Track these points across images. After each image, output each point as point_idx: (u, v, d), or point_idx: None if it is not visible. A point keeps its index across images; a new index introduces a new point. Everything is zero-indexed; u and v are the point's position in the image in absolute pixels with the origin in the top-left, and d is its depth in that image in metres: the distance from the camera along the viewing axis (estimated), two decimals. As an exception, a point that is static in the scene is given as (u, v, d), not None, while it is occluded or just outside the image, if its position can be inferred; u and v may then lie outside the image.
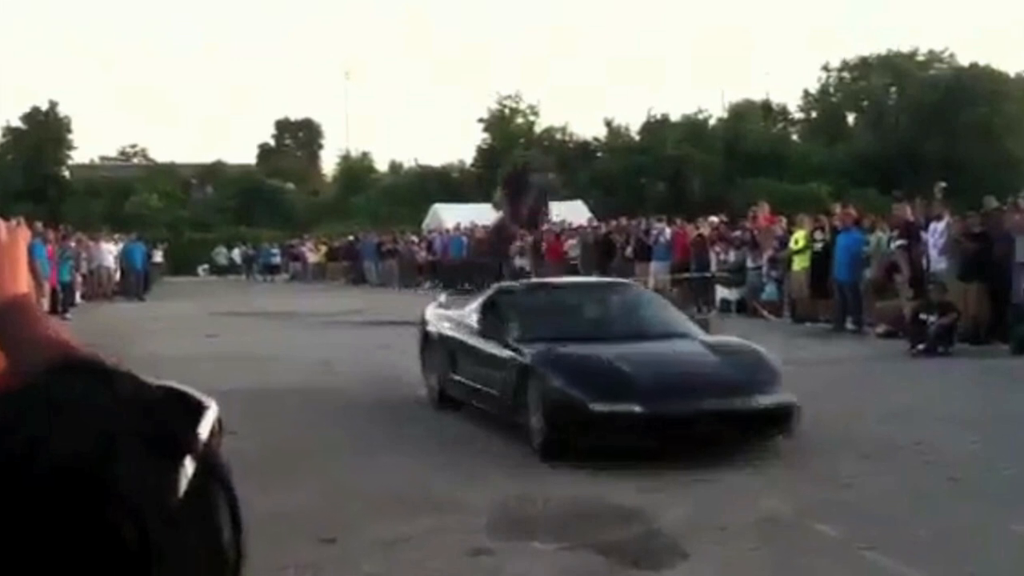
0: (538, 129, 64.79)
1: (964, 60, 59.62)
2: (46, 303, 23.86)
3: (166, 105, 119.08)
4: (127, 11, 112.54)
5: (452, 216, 43.56)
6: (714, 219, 26.31)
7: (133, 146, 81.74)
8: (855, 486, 8.06)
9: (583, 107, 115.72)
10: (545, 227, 34.83)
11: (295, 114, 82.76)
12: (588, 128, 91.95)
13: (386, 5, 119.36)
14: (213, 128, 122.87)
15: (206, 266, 56.24)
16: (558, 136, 64.67)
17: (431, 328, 12.40)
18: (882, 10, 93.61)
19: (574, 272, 27.32)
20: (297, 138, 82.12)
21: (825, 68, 65.21)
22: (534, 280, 19.08)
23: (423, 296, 23.67)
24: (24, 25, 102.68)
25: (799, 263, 20.88)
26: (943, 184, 19.29)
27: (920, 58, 61.87)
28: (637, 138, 61.44)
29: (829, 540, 6.77)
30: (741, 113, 62.10)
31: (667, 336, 10.38)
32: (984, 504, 7.56)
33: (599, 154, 61.98)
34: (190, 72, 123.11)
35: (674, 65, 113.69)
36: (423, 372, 12.36)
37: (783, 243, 22.01)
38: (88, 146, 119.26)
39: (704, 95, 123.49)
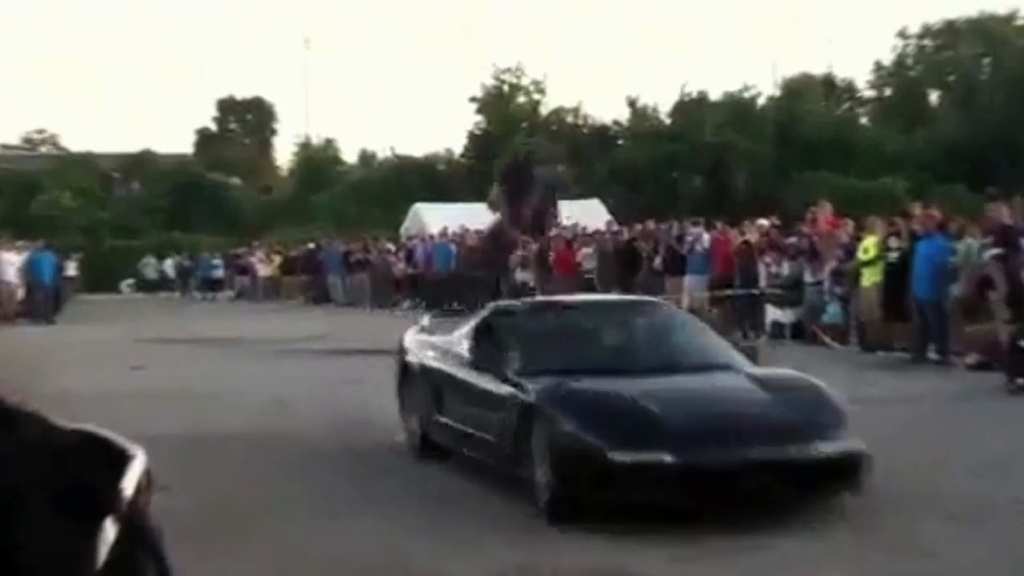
0: (544, 111, 64.93)
1: (1074, 24, 59.89)
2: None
3: (81, 80, 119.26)
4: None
5: (437, 219, 43.60)
6: (763, 223, 26.33)
7: (40, 132, 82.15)
8: (939, 554, 8.05)
9: (600, 83, 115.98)
10: (553, 232, 34.86)
11: (242, 92, 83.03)
12: (607, 109, 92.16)
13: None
14: (140, 110, 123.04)
15: (131, 281, 56.30)
16: (569, 119, 64.79)
17: (412, 358, 12.40)
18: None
19: (590, 288, 27.30)
20: (244, 122, 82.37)
21: (902, 35, 65.52)
22: (539, 298, 19.08)
23: (401, 319, 23.66)
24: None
25: (869, 277, 20.89)
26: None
27: (1020, 22, 62.02)
28: (668, 121, 61.53)
29: (907, 622, 6.76)
30: (797, 90, 62.25)
31: (705, 368, 10.38)
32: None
33: (620, 141, 62.07)
34: (111, 38, 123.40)
35: (714, 31, 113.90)
36: (401, 413, 12.35)
37: (849, 253, 22.02)
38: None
39: (751, 68, 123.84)
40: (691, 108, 60.34)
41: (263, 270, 48.57)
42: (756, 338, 21.54)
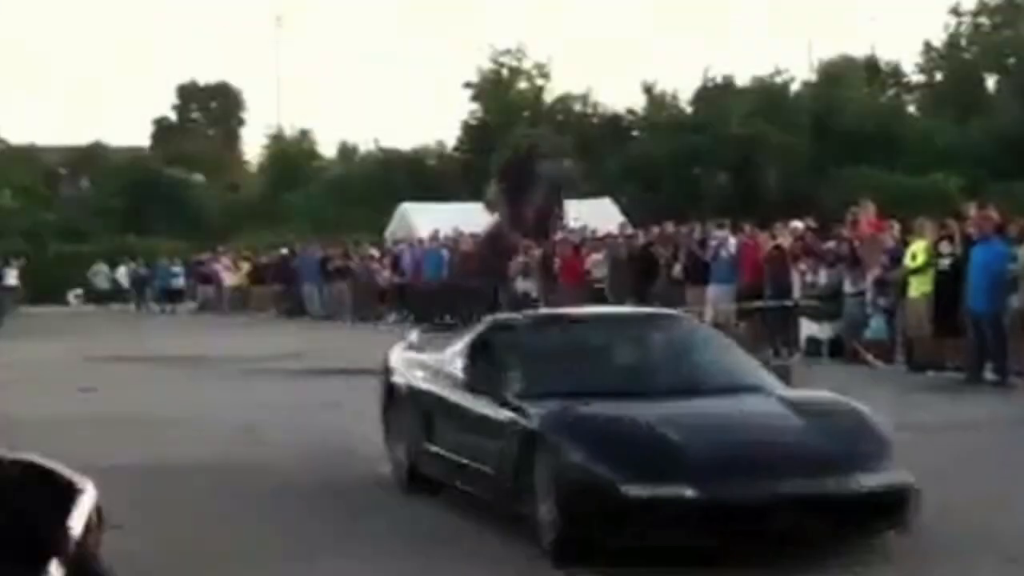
0: (549, 98, 64.99)
1: None
2: None
3: (23, 66, 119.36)
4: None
5: (427, 220, 43.59)
6: (798, 225, 26.33)
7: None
8: (997, 602, 8.04)
9: (613, 66, 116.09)
10: (559, 236, 34.87)
11: (205, 77, 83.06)
12: (620, 96, 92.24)
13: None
14: (89, 97, 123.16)
15: (80, 291, 56.30)
16: (577, 107, 64.85)
17: (398, 379, 12.39)
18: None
19: (600, 300, 27.32)
20: (208, 110, 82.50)
21: (955, 12, 65.56)
22: (543, 311, 19.08)
23: (386, 334, 23.66)
24: None
25: (918, 287, 20.89)
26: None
27: (1088, -3, 62.10)
28: (689, 110, 61.58)
29: None
30: (835, 75, 62.28)
31: (731, 390, 10.37)
32: None
33: (635, 132, 62.12)
34: (57, 21, 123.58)
35: (741, 6, 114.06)
36: (387, 442, 12.35)
37: (895, 259, 22.03)
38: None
39: (784, 50, 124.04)
40: (715, 95, 60.40)
41: (229, 279, 48.53)
42: (789, 356, 21.56)
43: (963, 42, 65.73)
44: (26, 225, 59.96)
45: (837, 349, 23.03)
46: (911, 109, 65.35)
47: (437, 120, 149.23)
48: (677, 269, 27.48)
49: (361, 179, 63.85)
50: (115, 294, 54.77)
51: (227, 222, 61.91)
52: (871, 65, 65.30)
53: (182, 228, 60.38)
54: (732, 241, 26.72)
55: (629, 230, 33.80)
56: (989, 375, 19.00)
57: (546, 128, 56.05)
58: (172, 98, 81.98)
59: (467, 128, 64.66)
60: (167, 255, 53.52)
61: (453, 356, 11.64)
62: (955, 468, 11.78)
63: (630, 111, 63.69)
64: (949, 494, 10.19)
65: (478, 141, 60.49)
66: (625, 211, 43.71)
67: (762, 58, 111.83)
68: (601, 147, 57.44)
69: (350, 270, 40.89)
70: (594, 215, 39.24)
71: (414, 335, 14.23)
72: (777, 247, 25.41)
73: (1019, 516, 10.33)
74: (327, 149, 75.26)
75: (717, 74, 61.86)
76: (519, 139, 49.88)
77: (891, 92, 66.37)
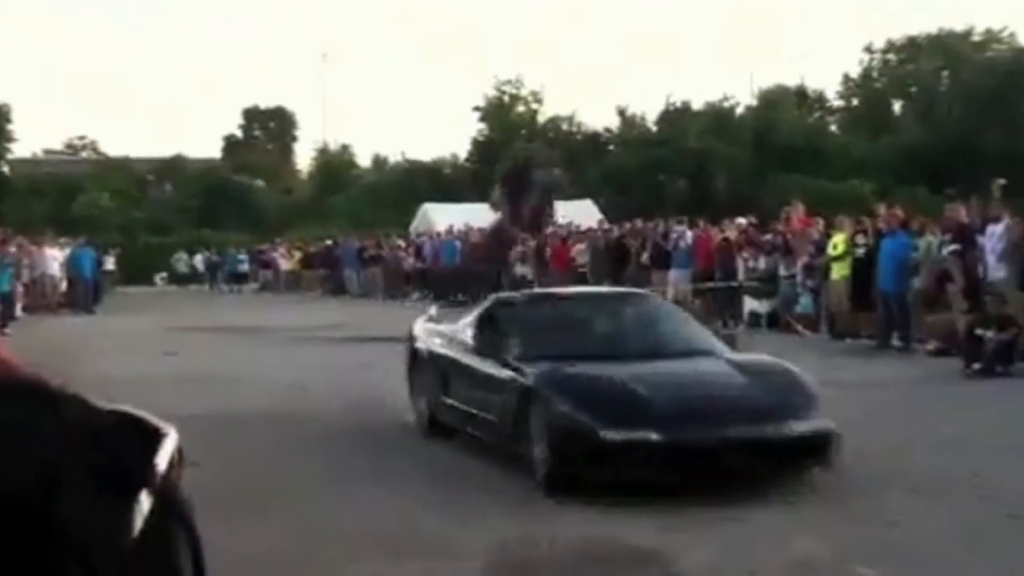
0: (542, 119, 64.86)
1: (1026, 40, 59.76)
2: (-18, 317, 23.93)
3: (119, 91, 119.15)
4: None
5: (444, 218, 43.57)
6: (742, 221, 26.32)
7: (81, 138, 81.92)
8: (902, 524, 8.04)
9: (593, 93, 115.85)
10: (550, 230, 34.85)
11: (265, 102, 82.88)
12: (599, 117, 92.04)
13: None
14: (172, 118, 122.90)
15: (164, 274, 56.31)
16: (564, 127, 64.70)
17: (420, 345, 12.40)
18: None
19: (583, 281, 27.30)
20: (268, 129, 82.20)
21: (868, 49, 65.42)
22: (537, 290, 19.07)
23: (411, 309, 23.65)
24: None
25: (838, 271, 20.89)
26: (1002, 181, 19.31)
27: (976, 38, 62.02)
28: (654, 129, 61.45)
29: (873, 587, 6.75)
30: (772, 101, 62.16)
31: (688, 354, 10.38)
32: (1049, 545, 7.54)
33: (611, 147, 62.01)
34: (146, 54, 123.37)
35: (696, 45, 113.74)
36: (411, 395, 12.35)
37: (820, 248, 22.02)
38: (30, 138, 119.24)
39: (731, 80, 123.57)
40: (676, 116, 60.31)
41: (285, 265, 48.57)
42: (735, 327, 21.54)
43: (875, 74, 65.62)
44: (121, 221, 59.95)
45: (773, 321, 23.04)
46: (833, 128, 65.22)
47: (452, 136, 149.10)
48: (645, 257, 27.50)
49: (391, 184, 63.78)
50: (192, 277, 54.83)
51: (283, 219, 61.84)
52: (801, 92, 65.18)
53: (247, 224, 60.31)
54: (689, 234, 26.74)
55: (606, 225, 33.84)
56: (896, 343, 19.00)
57: (539, 143, 55.95)
58: (238, 119, 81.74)
59: (475, 143, 64.55)
60: (235, 245, 53.54)
61: (465, 327, 11.65)
62: (868, 418, 11.77)
63: (607, 129, 63.66)
64: (863, 438, 10.20)
65: (484, 154, 60.37)
66: (603, 210, 43.65)
67: (713, 86, 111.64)
68: (584, 159, 57.35)
69: (382, 257, 40.90)
70: (578, 213, 39.25)
71: (433, 310, 14.24)
72: (725, 239, 25.40)
73: (920, 456, 10.33)
74: (364, 160, 75.22)
75: (677, 100, 61.82)
76: (518, 152, 49.81)
77: (817, 114, 66.25)
